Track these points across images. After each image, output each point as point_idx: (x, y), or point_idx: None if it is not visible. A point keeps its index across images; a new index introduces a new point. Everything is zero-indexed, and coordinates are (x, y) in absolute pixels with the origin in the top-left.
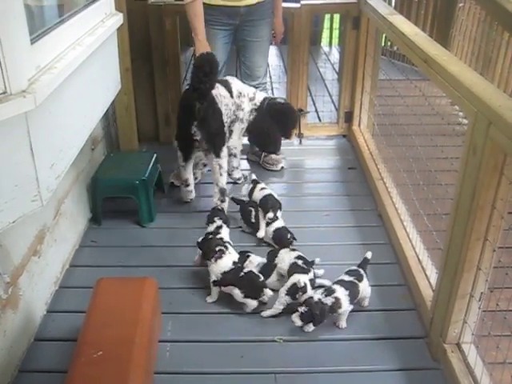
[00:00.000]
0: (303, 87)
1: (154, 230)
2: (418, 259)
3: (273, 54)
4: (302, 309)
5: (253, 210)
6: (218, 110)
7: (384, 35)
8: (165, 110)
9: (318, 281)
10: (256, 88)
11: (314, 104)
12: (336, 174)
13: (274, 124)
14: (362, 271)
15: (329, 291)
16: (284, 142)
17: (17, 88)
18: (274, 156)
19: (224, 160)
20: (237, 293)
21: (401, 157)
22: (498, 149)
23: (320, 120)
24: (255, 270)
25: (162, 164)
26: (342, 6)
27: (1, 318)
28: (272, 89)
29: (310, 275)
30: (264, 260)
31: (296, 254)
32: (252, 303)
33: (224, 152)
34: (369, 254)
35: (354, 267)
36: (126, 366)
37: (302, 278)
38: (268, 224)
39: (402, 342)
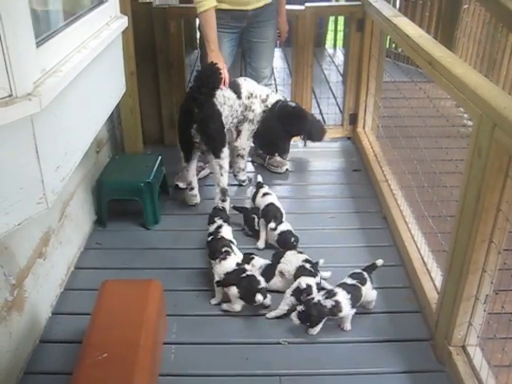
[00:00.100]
0: (308, 89)
1: (159, 232)
2: (423, 261)
3: (277, 57)
4: (300, 308)
5: (256, 217)
6: (216, 112)
7: (388, 37)
8: (169, 113)
9: (322, 283)
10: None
11: (319, 106)
12: (341, 176)
13: (283, 127)
14: (366, 275)
15: (330, 294)
16: None
17: (22, 91)
18: (278, 158)
19: (225, 160)
20: (233, 291)
21: (405, 159)
22: (502, 151)
23: (325, 122)
24: (257, 273)
25: (166, 166)
26: (347, 8)
27: (6, 320)
28: (276, 91)
29: (317, 279)
30: (267, 262)
31: (304, 257)
32: (238, 307)
33: (224, 153)
34: (379, 262)
35: (359, 270)
36: (131, 368)
37: (307, 281)
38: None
39: (407, 345)
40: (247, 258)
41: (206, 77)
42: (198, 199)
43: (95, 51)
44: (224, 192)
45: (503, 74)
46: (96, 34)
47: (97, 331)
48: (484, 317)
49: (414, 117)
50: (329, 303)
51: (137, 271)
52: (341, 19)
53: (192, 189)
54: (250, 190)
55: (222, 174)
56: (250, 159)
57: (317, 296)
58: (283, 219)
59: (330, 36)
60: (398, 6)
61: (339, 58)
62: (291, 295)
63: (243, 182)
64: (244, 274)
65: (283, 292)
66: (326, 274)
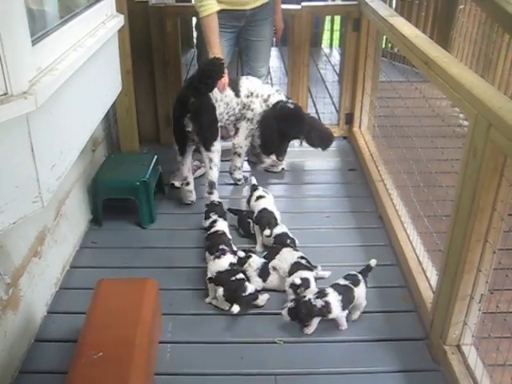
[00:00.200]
0: (304, 89)
1: (155, 231)
2: (419, 261)
3: (273, 56)
4: (290, 304)
5: (251, 221)
6: (211, 106)
7: (384, 37)
8: (165, 112)
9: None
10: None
11: (315, 106)
12: (336, 175)
13: (280, 128)
14: (360, 276)
15: (321, 294)
16: None
17: (18, 89)
18: (274, 157)
19: (215, 154)
20: (220, 292)
21: (401, 158)
22: (498, 151)
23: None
24: (254, 274)
25: (162, 165)
26: (343, 8)
27: (1, 319)
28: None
29: (314, 273)
30: (264, 261)
31: (299, 254)
32: (226, 306)
33: (215, 146)
34: (373, 262)
35: (354, 272)
36: (127, 368)
37: (303, 274)
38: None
39: (403, 344)
40: (244, 258)
41: (209, 70)
42: (193, 196)
43: (91, 50)
44: (211, 185)
45: (499, 74)
46: (92, 33)
47: (92, 330)
48: (479, 316)
49: (410, 116)
50: (319, 303)
51: (132, 270)
52: (337, 19)
53: (188, 184)
54: (247, 190)
55: (211, 168)
56: (245, 158)
57: (309, 294)
58: (278, 221)
59: (326, 35)
60: (394, 5)
61: (335, 57)
62: (289, 288)
63: (239, 180)
64: (233, 278)
65: (280, 291)
66: (325, 273)
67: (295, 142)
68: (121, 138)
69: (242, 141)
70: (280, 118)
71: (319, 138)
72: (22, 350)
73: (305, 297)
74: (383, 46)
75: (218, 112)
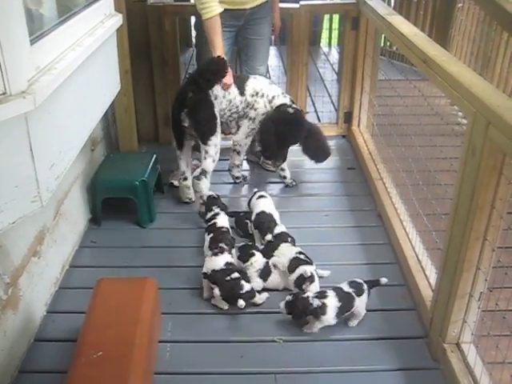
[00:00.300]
0: (303, 88)
1: (154, 230)
2: (418, 259)
3: (272, 55)
4: (288, 298)
5: (249, 222)
6: (209, 102)
7: (383, 35)
8: (164, 111)
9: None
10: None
11: (314, 104)
12: (335, 174)
13: (278, 132)
14: (365, 286)
15: (321, 294)
16: None
17: (16, 89)
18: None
19: (211, 147)
20: (216, 292)
21: (400, 157)
22: (496, 149)
23: (319, 120)
24: (255, 275)
25: (161, 165)
26: (341, 7)
27: (1, 318)
28: None
29: (315, 267)
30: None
31: (297, 249)
32: (224, 306)
33: (212, 141)
34: (383, 280)
35: (360, 280)
36: (126, 367)
37: (307, 269)
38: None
39: (402, 342)
40: (247, 254)
41: (211, 68)
42: (191, 194)
43: (89, 49)
44: (202, 172)
45: (497, 72)
46: (90, 32)
47: (92, 329)
48: (478, 314)
49: (409, 115)
50: (316, 302)
51: (132, 269)
52: (336, 17)
53: (185, 179)
54: (246, 189)
55: (205, 158)
56: (245, 157)
57: (309, 292)
58: (278, 222)
59: (324, 34)
60: (392, 4)
61: (334, 56)
62: (294, 287)
63: (237, 178)
64: (228, 278)
65: (280, 290)
66: (325, 272)
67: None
68: (120, 137)
69: (241, 139)
70: (278, 122)
71: (315, 149)
72: (22, 349)
73: (304, 293)
74: (382, 44)
75: (219, 108)
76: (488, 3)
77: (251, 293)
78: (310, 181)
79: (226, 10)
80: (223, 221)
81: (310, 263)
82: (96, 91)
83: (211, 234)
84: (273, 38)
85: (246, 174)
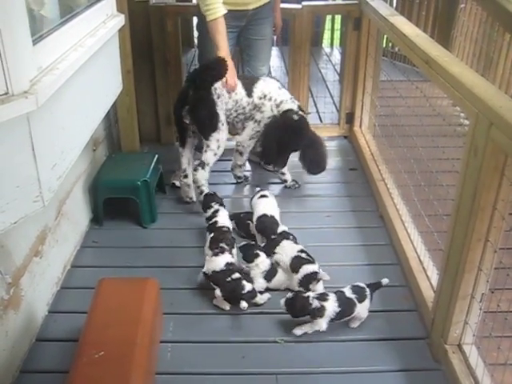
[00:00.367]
0: (304, 88)
1: (156, 230)
2: (419, 260)
3: (274, 55)
4: (289, 295)
5: (251, 222)
6: (210, 100)
7: (385, 36)
8: (166, 111)
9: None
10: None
11: (316, 105)
12: (337, 175)
13: (279, 138)
14: (367, 291)
15: (322, 296)
16: None
17: (19, 89)
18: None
19: (212, 142)
20: (218, 293)
21: (402, 158)
22: (499, 150)
23: (321, 121)
24: (259, 276)
25: (163, 165)
26: (343, 7)
27: (3, 318)
28: None
29: (317, 265)
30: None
31: (299, 247)
32: (226, 306)
33: (213, 137)
34: (385, 281)
35: (363, 285)
36: (128, 367)
37: (311, 268)
38: None
39: (403, 343)
40: (252, 256)
41: (210, 68)
42: (191, 193)
43: (92, 49)
44: (201, 163)
45: (499, 73)
46: (93, 32)
47: (93, 329)
48: (480, 315)
49: (411, 116)
50: (315, 303)
51: (133, 269)
52: (338, 18)
53: (185, 176)
54: (247, 189)
55: (206, 151)
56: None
57: (311, 293)
58: (279, 222)
59: (326, 35)
60: (394, 4)
61: (336, 56)
62: (299, 287)
63: (239, 178)
64: (229, 278)
65: (282, 290)
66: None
67: None
68: (121, 137)
69: (245, 140)
70: (281, 127)
71: (311, 160)
72: (24, 349)
73: (305, 292)
74: (384, 45)
75: (224, 107)
76: (490, 4)
77: (252, 293)
78: (312, 181)
79: (228, 10)
80: (224, 218)
81: (313, 262)
82: (98, 91)
83: (212, 234)
84: (274, 38)
85: (248, 174)
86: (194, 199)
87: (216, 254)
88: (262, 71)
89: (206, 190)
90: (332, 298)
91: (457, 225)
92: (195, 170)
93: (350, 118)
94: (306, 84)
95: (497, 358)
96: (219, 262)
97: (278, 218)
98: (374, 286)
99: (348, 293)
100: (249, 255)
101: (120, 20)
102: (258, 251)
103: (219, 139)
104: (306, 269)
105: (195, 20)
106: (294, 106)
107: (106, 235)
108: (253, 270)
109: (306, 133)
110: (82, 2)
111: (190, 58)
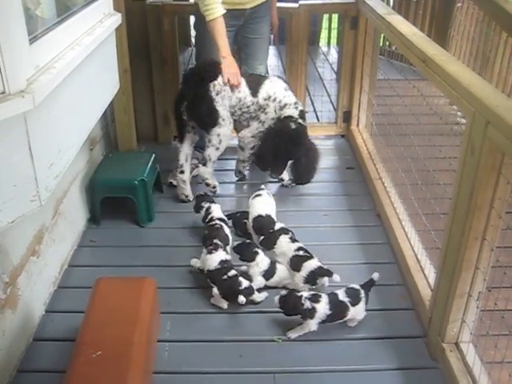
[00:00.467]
0: (302, 87)
1: (153, 229)
2: (417, 259)
3: (271, 54)
4: (283, 292)
5: (247, 221)
6: (208, 97)
7: (382, 35)
8: (163, 110)
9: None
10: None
11: (313, 104)
12: (334, 173)
13: (276, 145)
14: (362, 294)
15: (314, 297)
16: None
17: (15, 88)
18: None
19: (214, 137)
20: (215, 291)
21: (399, 156)
22: (495, 148)
23: (318, 120)
24: (257, 274)
25: (160, 164)
26: (341, 6)
27: (0, 318)
28: None
29: (317, 259)
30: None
31: (295, 246)
32: (224, 304)
33: (214, 131)
34: (375, 276)
35: (358, 287)
36: (125, 366)
37: (313, 264)
38: None
39: (401, 342)
40: (252, 254)
41: (203, 70)
42: (188, 190)
43: (88, 48)
44: (205, 159)
45: (496, 72)
46: (89, 31)
47: (90, 329)
48: (477, 314)
49: (408, 115)
50: (307, 304)
51: (131, 269)
52: (335, 17)
53: (182, 172)
54: (246, 189)
55: (208, 146)
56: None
57: (305, 293)
58: (275, 220)
59: (323, 34)
60: (391, 3)
61: (333, 55)
62: (304, 283)
63: (239, 172)
64: (225, 276)
65: (279, 288)
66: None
67: None
68: (118, 136)
69: (246, 136)
70: (277, 135)
71: (301, 171)
72: (21, 349)
73: (299, 292)
74: (381, 44)
75: (226, 103)
76: (487, 3)
77: (250, 289)
78: None
79: (226, 10)
80: (217, 212)
81: (313, 256)
82: (95, 90)
83: (206, 232)
84: (271, 37)
85: (246, 172)
86: (190, 198)
87: (210, 252)
88: (260, 70)
89: (212, 182)
90: (324, 300)
91: (454, 223)
92: (204, 164)
93: (347, 117)
94: (304, 83)
95: (494, 357)
96: (213, 262)
97: (274, 216)
98: (368, 285)
99: (341, 296)
100: (248, 254)
101: (117, 19)
102: (256, 249)
103: (220, 134)
104: (309, 265)
105: (192, 19)
106: (295, 112)
107: (103, 234)
108: (252, 268)
109: (302, 143)
110: (78, 0)
111: (187, 57)
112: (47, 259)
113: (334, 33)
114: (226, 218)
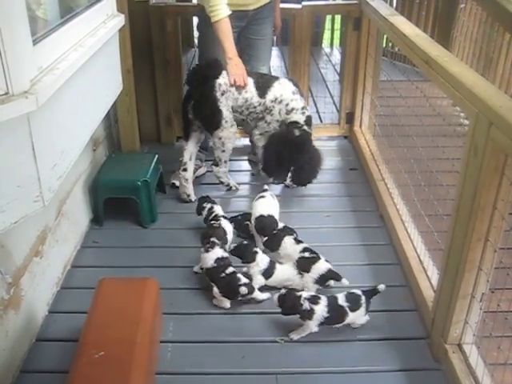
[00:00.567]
0: (304, 88)
1: (156, 230)
2: (420, 260)
3: (274, 55)
4: (283, 291)
5: (249, 223)
6: (212, 97)
7: (385, 36)
8: (166, 111)
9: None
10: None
11: (316, 105)
12: (337, 174)
13: (279, 151)
14: (363, 300)
15: (313, 299)
16: None
17: (19, 89)
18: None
19: (216, 140)
20: (215, 290)
21: (402, 158)
22: (498, 149)
23: (321, 121)
24: (257, 273)
25: (163, 165)
26: (343, 7)
27: (3, 318)
28: None
29: (324, 258)
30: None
31: (300, 247)
32: (227, 304)
33: (216, 134)
34: (381, 287)
35: (359, 292)
36: (128, 367)
37: (323, 265)
38: None
39: (404, 343)
40: (251, 254)
41: (205, 70)
42: (189, 189)
43: (92, 49)
44: (214, 161)
45: (499, 72)
46: (93, 32)
47: (93, 329)
48: (480, 315)
49: (411, 116)
50: (306, 305)
51: (133, 269)
52: (338, 18)
53: (185, 170)
54: (248, 190)
55: (214, 148)
56: (245, 158)
57: (304, 293)
58: (277, 220)
59: (326, 35)
60: (394, 4)
61: (336, 56)
62: (314, 283)
63: (251, 162)
64: (223, 274)
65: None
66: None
67: None
68: (121, 137)
69: (255, 134)
70: (281, 142)
71: (302, 175)
72: (24, 349)
73: (298, 291)
74: (384, 45)
75: (231, 103)
76: (490, 4)
77: (249, 285)
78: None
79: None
80: (219, 210)
81: (319, 257)
82: (98, 91)
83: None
84: (274, 38)
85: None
86: (192, 198)
87: (207, 250)
88: (262, 71)
89: (226, 181)
90: (323, 302)
91: (457, 224)
92: (216, 165)
93: (350, 118)
94: (306, 84)
95: (497, 358)
96: (209, 260)
97: (277, 217)
98: (371, 293)
99: (341, 300)
100: (248, 255)
101: (120, 20)
102: (255, 249)
103: (222, 137)
104: (319, 268)
105: (195, 20)
106: (302, 118)
107: (106, 235)
108: (252, 268)
109: (306, 150)
110: (82, 2)
111: (190, 58)
112: (50, 260)
113: (337, 34)
114: (226, 216)
